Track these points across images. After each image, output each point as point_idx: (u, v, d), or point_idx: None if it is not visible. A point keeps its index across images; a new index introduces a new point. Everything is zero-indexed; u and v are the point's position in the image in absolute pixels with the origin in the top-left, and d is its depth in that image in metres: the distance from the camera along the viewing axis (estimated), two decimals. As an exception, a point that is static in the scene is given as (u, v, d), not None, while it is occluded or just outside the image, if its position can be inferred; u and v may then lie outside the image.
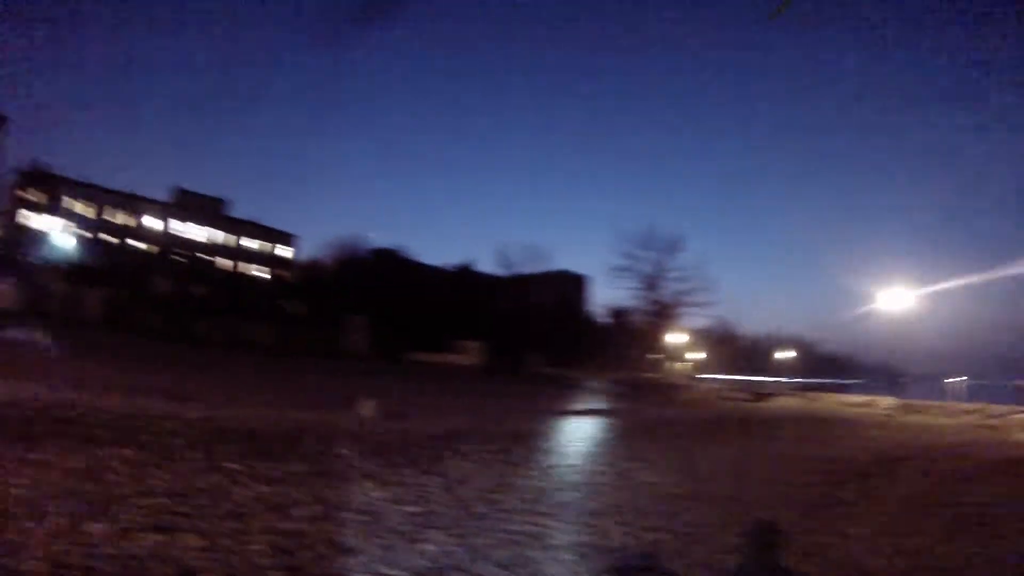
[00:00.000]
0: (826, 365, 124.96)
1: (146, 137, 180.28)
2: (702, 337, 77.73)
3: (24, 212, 70.39)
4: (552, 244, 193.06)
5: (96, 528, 4.83)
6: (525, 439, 12.18)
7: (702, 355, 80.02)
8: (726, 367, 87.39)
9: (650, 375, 61.31)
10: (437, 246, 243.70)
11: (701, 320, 63.20)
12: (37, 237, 68.02)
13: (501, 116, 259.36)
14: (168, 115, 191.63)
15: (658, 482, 9.31)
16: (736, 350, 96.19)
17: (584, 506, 7.47)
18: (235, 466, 7.10)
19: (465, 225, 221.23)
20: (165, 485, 6.08)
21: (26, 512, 4.95)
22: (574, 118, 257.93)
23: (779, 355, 79.44)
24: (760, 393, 38.42)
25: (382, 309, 61.02)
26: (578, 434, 14.30)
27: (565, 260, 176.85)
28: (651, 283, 54.88)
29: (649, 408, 24.01)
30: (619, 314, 73.82)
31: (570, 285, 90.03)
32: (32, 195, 70.88)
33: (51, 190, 71.24)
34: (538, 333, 65.65)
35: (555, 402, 23.60)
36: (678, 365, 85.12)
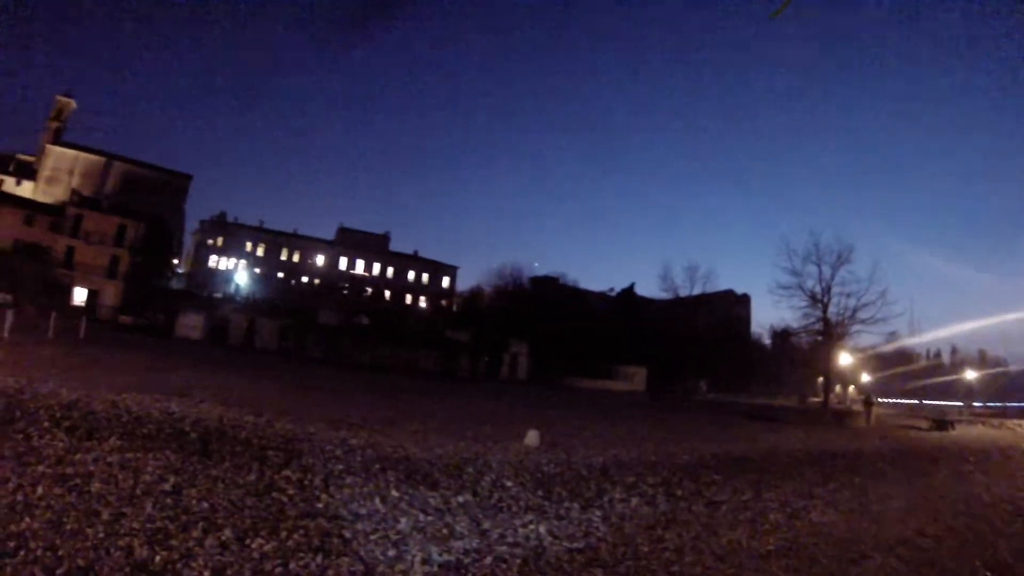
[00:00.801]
0: (1018, 387, 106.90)
1: (312, 182, 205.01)
2: (874, 357, 70.68)
3: (208, 255, 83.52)
4: (716, 263, 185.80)
5: (262, 545, 5.17)
6: (691, 471, 11.61)
7: (874, 377, 72.62)
8: (901, 390, 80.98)
9: (818, 400, 57.33)
10: (598, 271, 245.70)
11: (873, 338, 57.41)
12: (219, 276, 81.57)
13: (660, 136, 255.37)
14: (332, 160, 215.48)
15: (831, 522, 8.49)
16: (912, 371, 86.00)
17: (752, 547, 6.95)
18: (396, 493, 7.36)
19: (626, 249, 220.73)
20: (328, 508, 6.42)
21: (199, 524, 5.41)
22: (735, 131, 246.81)
23: (961, 375, 70.24)
24: (940, 420, 33.86)
25: (543, 335, 62.62)
26: (746, 466, 13.18)
27: (729, 279, 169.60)
28: (818, 300, 50.76)
29: (817, 438, 22.00)
30: (784, 335, 69.65)
31: (734, 306, 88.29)
32: (214, 240, 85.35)
33: (230, 235, 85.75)
34: (701, 357, 63.53)
35: (720, 431, 22.32)
36: (849, 389, 78.13)
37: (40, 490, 5.71)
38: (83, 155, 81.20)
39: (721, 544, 6.96)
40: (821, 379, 57.73)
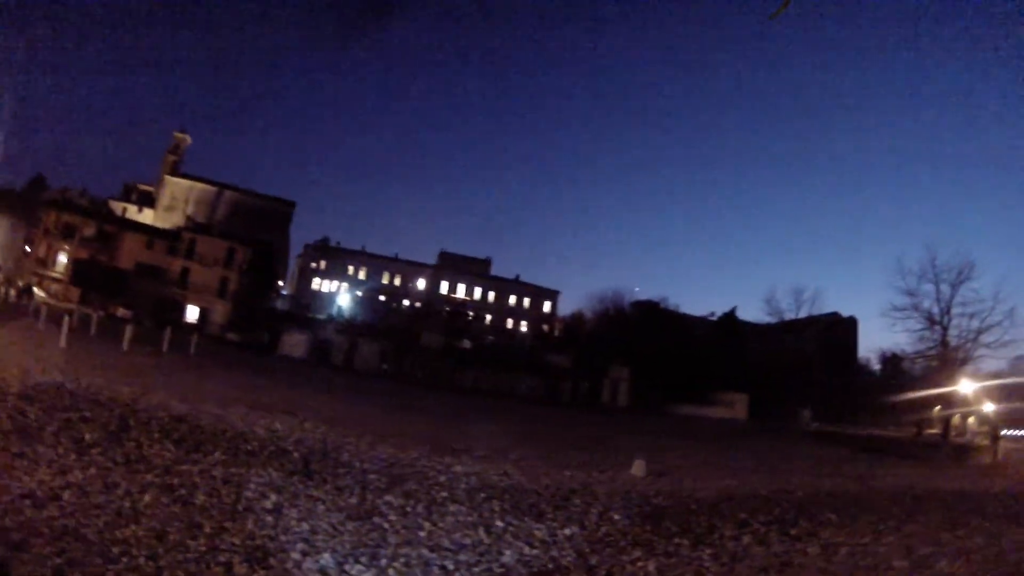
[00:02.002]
0: None
1: (414, 207, 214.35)
2: (1000, 384, 63.99)
3: (311, 278, 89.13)
4: (821, 285, 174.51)
5: (361, 572, 5.16)
6: (805, 508, 10.92)
7: (1000, 407, 65.33)
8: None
9: (935, 432, 52.58)
10: (700, 295, 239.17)
11: (999, 363, 52.11)
12: (322, 298, 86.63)
13: (765, 155, 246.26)
14: (434, 186, 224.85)
15: (963, 574, 7.56)
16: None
17: None
18: (500, 524, 7.27)
19: (729, 272, 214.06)
20: (430, 537, 6.36)
21: (298, 545, 5.44)
22: (844, 146, 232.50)
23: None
24: None
25: (644, 361, 62.96)
26: (863, 505, 12.16)
27: (835, 302, 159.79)
28: (936, 321, 46.86)
29: (938, 474, 20.17)
30: (895, 360, 64.78)
31: (839, 330, 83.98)
32: (318, 264, 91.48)
33: (333, 258, 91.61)
34: (804, 384, 60.76)
35: (830, 464, 21.21)
36: (969, 420, 71.66)
37: (147, 498, 5.94)
38: (197, 185, 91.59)
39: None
40: (937, 409, 53.26)
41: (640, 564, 6.41)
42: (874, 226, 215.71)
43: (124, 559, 4.44)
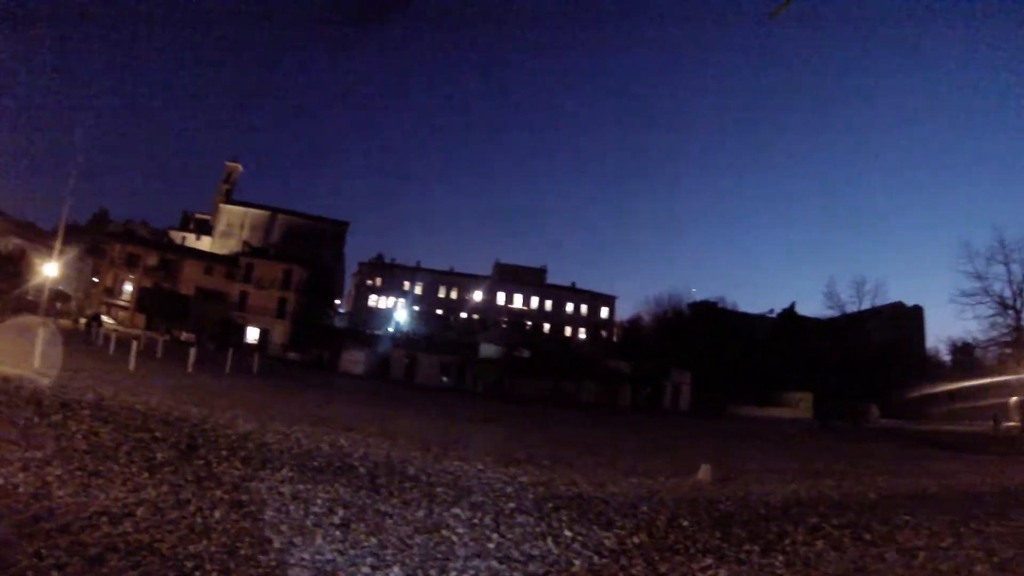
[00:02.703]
0: None
1: (467, 220, 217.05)
2: None
3: (367, 295, 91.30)
4: (883, 275, 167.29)
5: None
6: (879, 511, 10.56)
7: None
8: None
9: (1015, 425, 49.45)
10: (759, 293, 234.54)
11: None
12: (379, 314, 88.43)
13: (816, 140, 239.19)
14: (486, 198, 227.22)
15: None
16: None
17: None
18: (569, 533, 7.22)
19: (787, 266, 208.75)
20: (499, 549, 6.34)
21: (367, 559, 5.51)
22: (901, 129, 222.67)
23: None
24: None
25: (704, 363, 63.25)
26: (942, 506, 11.67)
27: (899, 291, 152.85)
28: (1008, 305, 44.18)
29: (1013, 471, 19.41)
30: (967, 349, 61.74)
31: (905, 320, 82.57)
32: (373, 281, 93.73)
33: (388, 275, 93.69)
34: (870, 379, 58.77)
35: (904, 463, 20.47)
36: None
37: (218, 514, 6.09)
38: (251, 211, 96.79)
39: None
40: (1015, 399, 50.20)
41: (711, 572, 6.30)
42: (937, 209, 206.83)
43: (197, 573, 4.54)
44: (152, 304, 66.97)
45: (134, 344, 24.60)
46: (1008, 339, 46.84)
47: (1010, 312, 45.31)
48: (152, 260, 72.15)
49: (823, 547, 7.77)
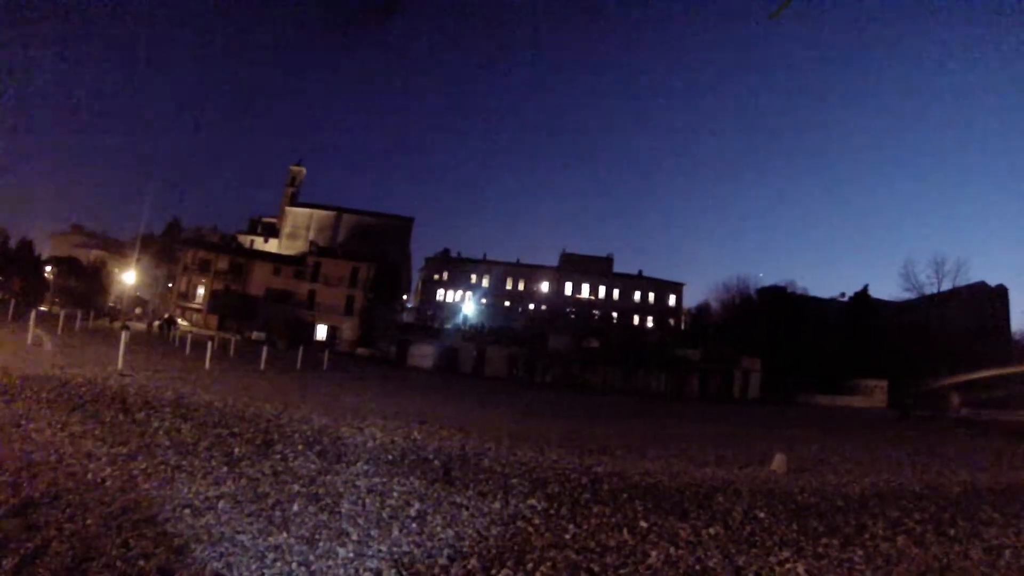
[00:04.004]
0: None
1: (532, 211, 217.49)
2: None
3: (434, 289, 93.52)
4: (964, 254, 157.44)
5: (508, 575, 5.14)
6: (964, 506, 10.09)
7: None
8: None
9: None
10: (830, 276, 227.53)
11: None
12: (446, 308, 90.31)
13: (886, 121, 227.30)
14: (551, 188, 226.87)
15: None
16: None
17: None
18: (644, 524, 7.17)
19: (860, 247, 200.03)
20: (576, 540, 6.32)
21: (444, 551, 5.58)
22: (975, 103, 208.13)
23: None
24: None
25: (774, 350, 62.52)
26: None
27: (982, 271, 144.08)
28: None
29: None
30: None
31: (988, 301, 78.37)
32: (440, 276, 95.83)
33: (454, 269, 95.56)
34: (951, 365, 55.72)
35: (988, 455, 19.50)
36: None
37: (295, 507, 6.27)
38: (316, 212, 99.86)
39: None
40: None
41: (789, 566, 6.15)
42: (1019, 184, 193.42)
43: (278, 563, 4.70)
44: (224, 306, 69.89)
45: (209, 345, 25.66)
46: None
47: None
48: (222, 264, 75.33)
49: (904, 542, 7.54)
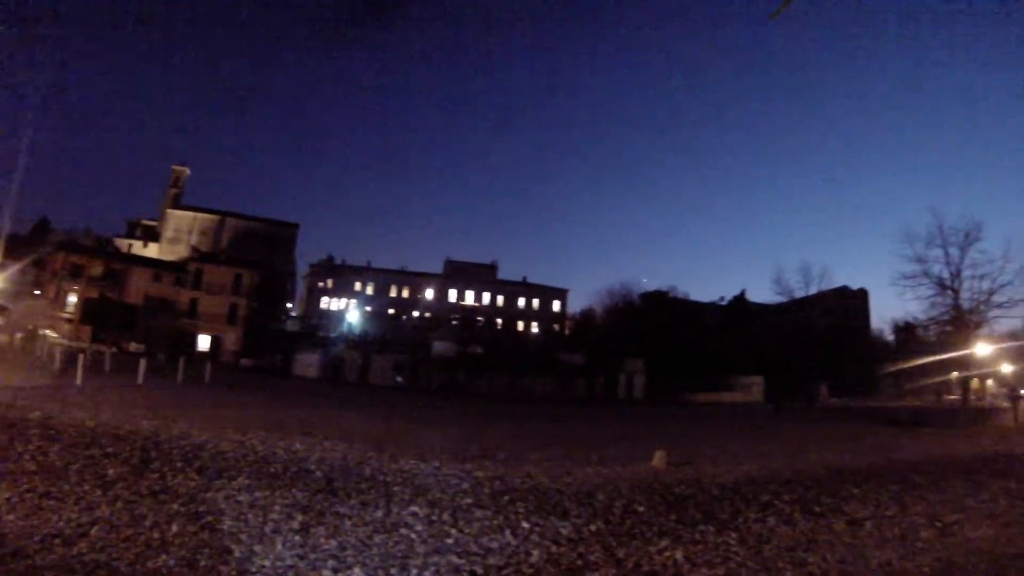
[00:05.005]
0: None
1: (416, 219, 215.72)
2: (1017, 344, 63.75)
3: (319, 297, 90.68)
4: (829, 261, 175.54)
5: None
6: (827, 486, 11.11)
7: (1018, 367, 64.99)
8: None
9: (954, 398, 52.45)
10: (708, 281, 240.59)
11: (1014, 323, 51.72)
12: (331, 316, 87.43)
13: (760, 133, 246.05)
14: (435, 196, 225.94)
15: (989, 537, 7.94)
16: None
17: (906, 569, 6.57)
18: (526, 525, 7.30)
19: (736, 255, 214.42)
20: (458, 544, 6.40)
21: (328, 562, 5.53)
22: (842, 120, 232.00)
23: None
24: None
25: (656, 352, 63.68)
26: (886, 477, 12.42)
27: (844, 276, 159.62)
28: (947, 286, 46.59)
29: (958, 441, 21.00)
30: (909, 329, 65.07)
31: (850, 303, 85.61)
32: (325, 283, 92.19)
33: (339, 276, 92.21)
34: (819, 361, 61.12)
35: (850, 440, 21.57)
36: (988, 382, 71.82)
37: (175, 527, 6.00)
38: (199, 215, 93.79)
39: (871, 567, 6.57)
40: (955, 374, 52.98)
41: (667, 554, 6.46)
42: (878, 198, 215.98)
43: (158, 589, 4.48)
44: (98, 315, 63.93)
45: (80, 358, 23.70)
46: (947, 318, 48.87)
47: (948, 292, 47.18)
48: (96, 269, 68.88)
49: (775, 522, 8.06)
